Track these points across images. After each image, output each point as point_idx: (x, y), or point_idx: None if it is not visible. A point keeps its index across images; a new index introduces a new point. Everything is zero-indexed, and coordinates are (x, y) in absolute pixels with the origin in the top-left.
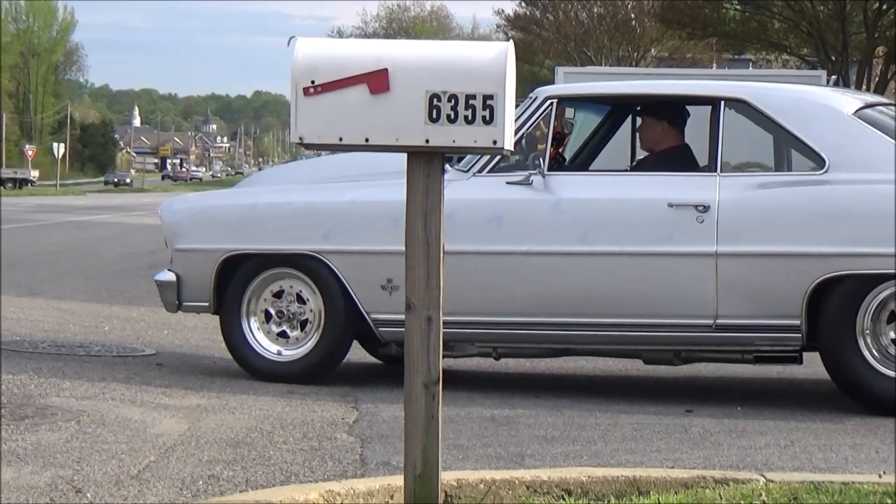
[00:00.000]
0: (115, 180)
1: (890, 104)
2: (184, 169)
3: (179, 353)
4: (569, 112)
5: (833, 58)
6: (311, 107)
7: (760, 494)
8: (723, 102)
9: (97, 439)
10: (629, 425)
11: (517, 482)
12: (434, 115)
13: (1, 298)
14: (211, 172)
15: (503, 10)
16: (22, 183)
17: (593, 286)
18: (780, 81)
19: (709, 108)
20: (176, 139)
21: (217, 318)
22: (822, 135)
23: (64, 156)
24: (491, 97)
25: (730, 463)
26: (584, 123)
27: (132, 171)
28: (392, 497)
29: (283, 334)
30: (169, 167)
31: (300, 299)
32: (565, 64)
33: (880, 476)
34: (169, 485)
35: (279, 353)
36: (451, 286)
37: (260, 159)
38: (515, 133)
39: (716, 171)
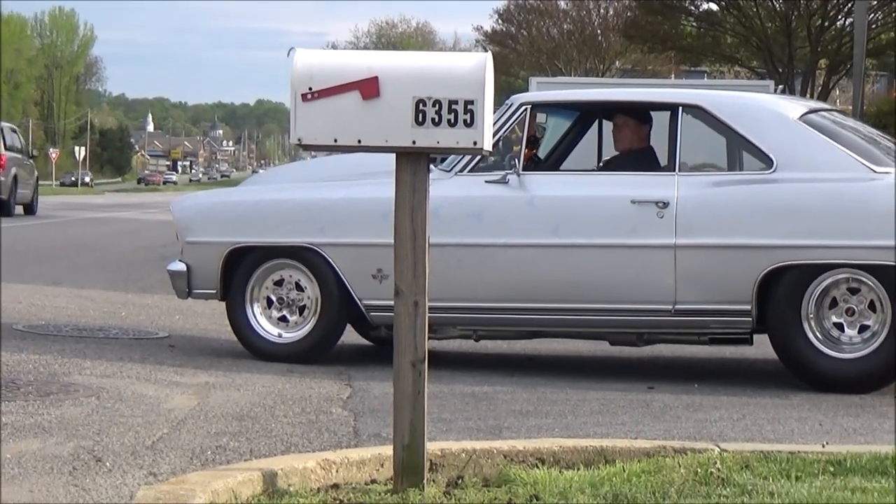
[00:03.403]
0: (73, 179)
1: (831, 109)
2: (156, 174)
3: (190, 336)
4: (541, 117)
5: (780, 69)
6: (309, 111)
7: (715, 462)
8: (681, 108)
9: (115, 413)
10: (596, 401)
11: (495, 452)
12: (420, 119)
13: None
14: (189, 176)
15: (482, 27)
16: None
17: (564, 275)
18: (732, 90)
19: (668, 113)
20: (186, 143)
21: (224, 304)
22: (770, 138)
23: (84, 158)
24: (471, 102)
25: (688, 434)
26: (556, 127)
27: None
28: (382, 465)
29: (283, 319)
30: (179, 168)
31: (299, 287)
32: (538, 75)
33: (823, 446)
34: (180, 454)
35: (280, 336)
36: (436, 275)
37: (262, 161)
38: (493, 136)
39: (674, 170)
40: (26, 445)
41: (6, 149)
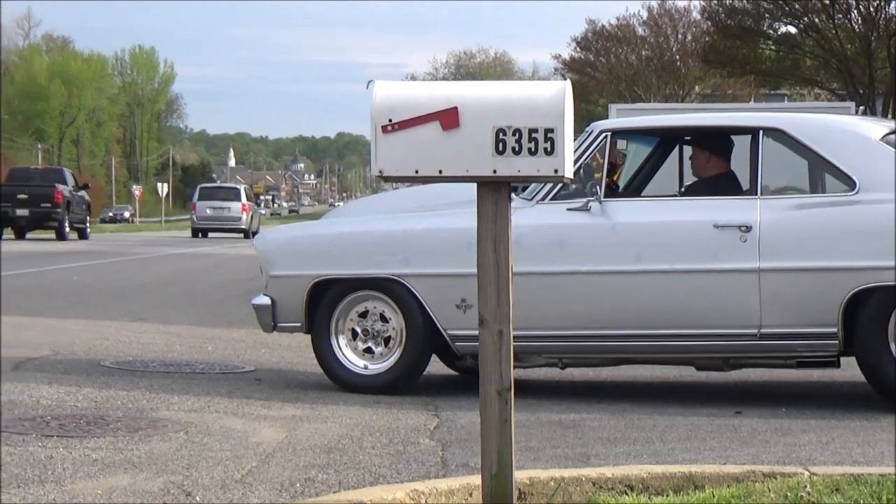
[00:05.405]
0: (111, 214)
1: None
2: None
3: (276, 370)
4: (622, 144)
5: (861, 91)
6: (389, 143)
7: (805, 486)
8: (761, 132)
9: (204, 448)
10: (684, 426)
11: (584, 479)
12: (500, 148)
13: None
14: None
15: (560, 55)
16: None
17: (648, 301)
18: (812, 112)
19: (749, 137)
20: (268, 177)
21: (309, 337)
22: (852, 159)
23: (167, 195)
24: (551, 130)
25: (777, 459)
26: (636, 154)
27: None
28: (471, 495)
29: (368, 350)
30: (261, 202)
31: (383, 318)
32: (618, 101)
33: None
34: (269, 487)
35: (366, 368)
36: (520, 303)
37: (344, 194)
38: (574, 163)
39: (756, 194)
40: (116, 481)
41: (247, 200)
